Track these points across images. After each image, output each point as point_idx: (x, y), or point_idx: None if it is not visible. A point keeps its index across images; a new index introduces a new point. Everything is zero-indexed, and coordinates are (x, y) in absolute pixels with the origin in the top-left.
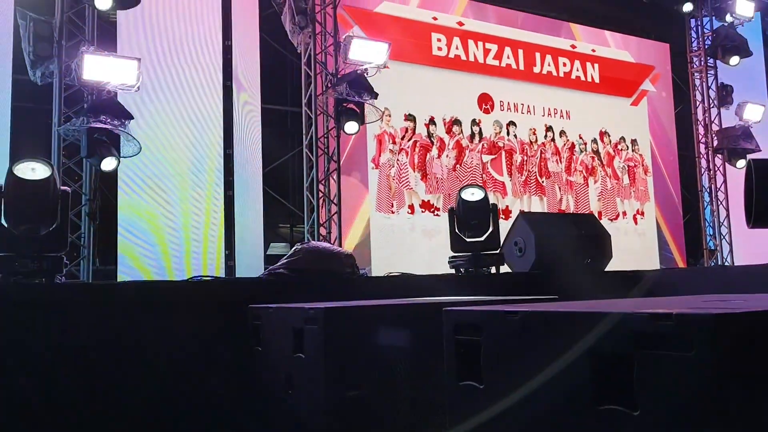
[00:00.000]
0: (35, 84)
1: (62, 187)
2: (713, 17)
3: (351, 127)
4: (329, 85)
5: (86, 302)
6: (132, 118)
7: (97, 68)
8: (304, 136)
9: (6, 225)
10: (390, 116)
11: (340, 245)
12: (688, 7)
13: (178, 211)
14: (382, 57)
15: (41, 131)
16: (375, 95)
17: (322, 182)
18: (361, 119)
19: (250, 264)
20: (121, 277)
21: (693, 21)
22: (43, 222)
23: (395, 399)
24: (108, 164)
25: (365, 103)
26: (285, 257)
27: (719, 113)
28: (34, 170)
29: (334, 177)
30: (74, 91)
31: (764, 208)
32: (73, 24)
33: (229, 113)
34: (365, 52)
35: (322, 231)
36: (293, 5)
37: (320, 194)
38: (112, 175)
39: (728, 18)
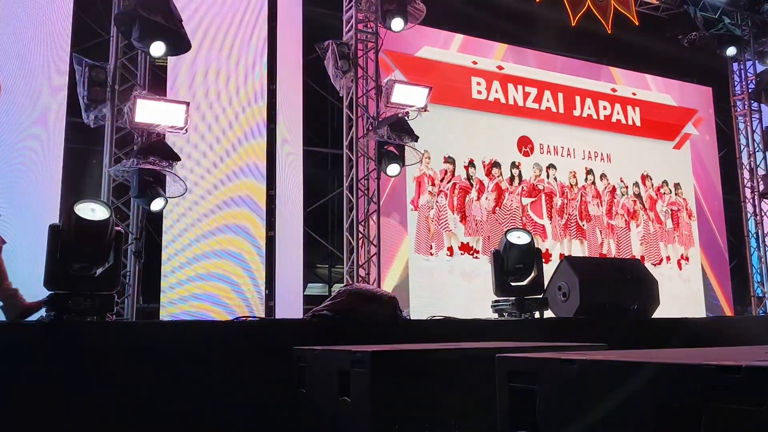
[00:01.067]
0: (88, 126)
1: (116, 228)
2: (756, 61)
3: (393, 169)
4: (370, 127)
5: (133, 341)
6: (179, 159)
7: (147, 111)
8: (344, 178)
9: (61, 262)
10: (429, 158)
11: (379, 287)
12: (731, 51)
13: (221, 251)
14: (423, 100)
15: (92, 172)
16: (415, 138)
17: (362, 223)
18: (401, 161)
19: (290, 304)
20: (163, 316)
21: (736, 65)
22: (98, 261)
23: None
24: (157, 204)
25: (405, 145)
26: (328, 299)
27: (765, 157)
28: (93, 211)
29: (374, 218)
30: (125, 133)
31: None
32: (125, 69)
33: (272, 155)
34: (407, 95)
35: (361, 272)
36: (336, 50)
37: (360, 235)
38: (158, 215)
39: None
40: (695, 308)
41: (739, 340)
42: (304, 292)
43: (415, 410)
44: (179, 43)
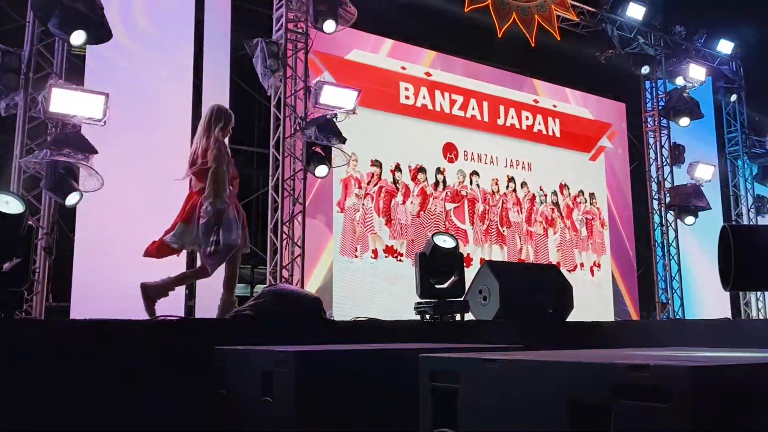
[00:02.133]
0: None
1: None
2: (667, 80)
3: (321, 170)
4: (298, 128)
5: (43, 340)
6: (96, 152)
7: (63, 101)
8: (270, 178)
9: None
10: (357, 161)
11: (302, 288)
12: (645, 70)
13: (139, 249)
14: (352, 103)
15: (1, 162)
16: (343, 140)
17: (287, 224)
18: (329, 163)
19: (211, 304)
20: (75, 314)
21: (648, 82)
22: (7, 256)
23: None
24: (72, 199)
25: (333, 147)
26: (251, 299)
27: (672, 171)
28: (8, 203)
29: (299, 219)
30: (37, 123)
31: (742, 272)
32: (41, 57)
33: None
34: (335, 97)
35: (285, 273)
36: (265, 49)
37: (284, 236)
38: (71, 209)
39: (681, 81)
40: (605, 312)
41: (644, 343)
42: None
43: (338, 411)
44: (100, 32)
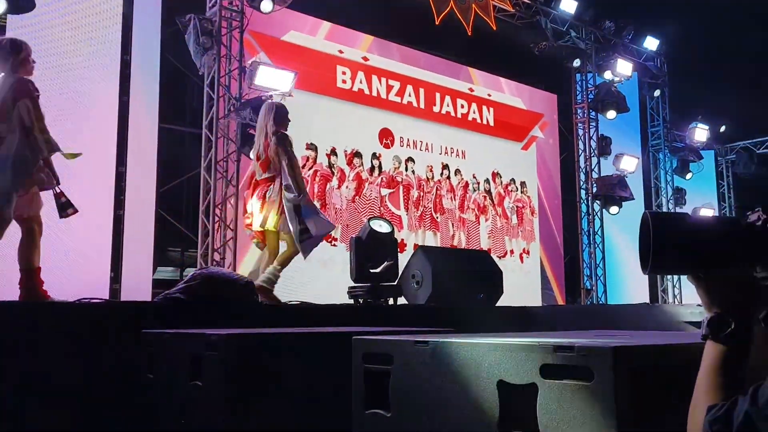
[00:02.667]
0: None
1: None
2: (596, 73)
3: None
4: (232, 108)
5: None
6: None
7: None
8: (202, 159)
9: None
10: (291, 144)
11: (234, 271)
12: (576, 63)
13: (61, 229)
14: (288, 85)
15: None
16: None
17: (219, 206)
18: None
19: (137, 288)
20: None
21: (579, 75)
22: None
23: (297, 429)
24: None
25: None
26: (182, 282)
27: (599, 162)
28: None
29: (232, 202)
30: None
31: (660, 256)
32: None
33: (123, 130)
34: (271, 79)
35: (216, 256)
36: (198, 26)
37: (216, 219)
38: None
39: (609, 75)
40: (533, 298)
41: (570, 326)
42: (153, 275)
43: (269, 394)
44: (21, 1)
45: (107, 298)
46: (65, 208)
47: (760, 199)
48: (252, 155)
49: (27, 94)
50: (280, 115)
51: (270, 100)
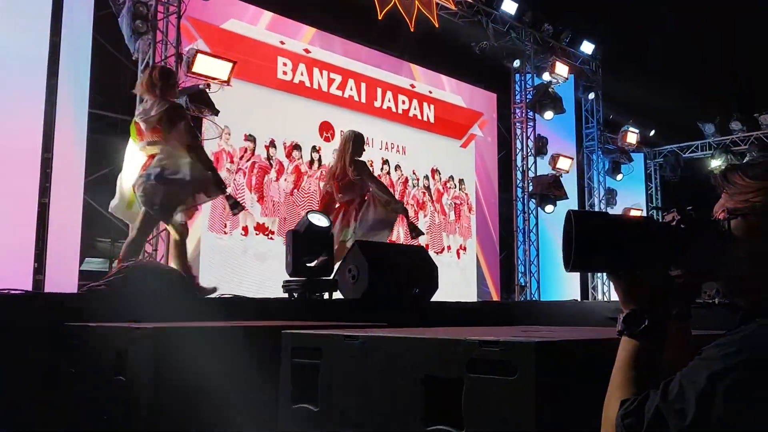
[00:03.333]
0: None
1: None
2: (535, 74)
3: None
4: None
5: None
6: None
7: None
8: None
9: None
10: (230, 135)
11: (166, 263)
12: (516, 63)
13: None
14: (226, 74)
15: None
16: (216, 112)
17: None
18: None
19: (63, 280)
20: None
21: (518, 75)
22: None
23: (226, 424)
24: None
25: (205, 118)
26: (109, 273)
27: (535, 161)
28: None
29: None
30: None
31: (582, 254)
32: None
33: (51, 114)
34: (209, 67)
35: (148, 248)
36: (133, 9)
37: None
38: None
39: (547, 77)
40: (469, 293)
41: (503, 322)
42: (80, 267)
43: (196, 390)
44: None
45: (29, 289)
46: (235, 207)
47: (685, 201)
48: (328, 175)
49: (183, 116)
50: (358, 144)
51: (349, 130)
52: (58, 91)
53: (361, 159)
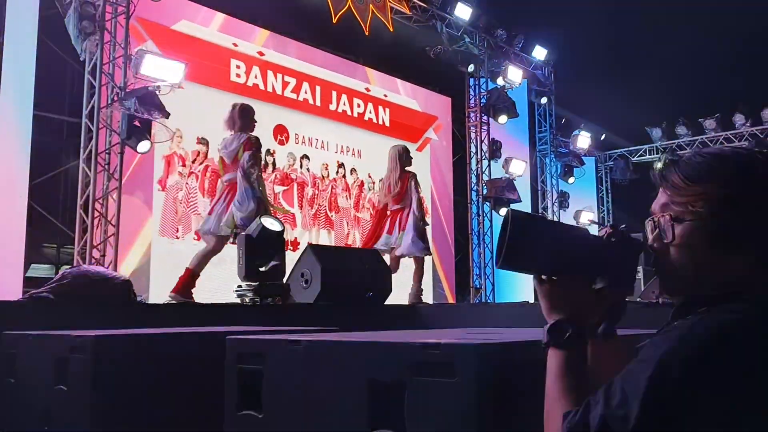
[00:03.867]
0: None
1: None
2: (489, 79)
3: (144, 146)
4: (116, 98)
5: None
6: None
7: None
8: (81, 150)
9: None
10: (181, 138)
11: (115, 270)
12: (471, 68)
13: None
14: (178, 76)
15: None
16: (166, 114)
17: (100, 201)
18: (150, 138)
19: (6, 287)
20: None
21: (472, 80)
22: None
23: None
24: None
25: (155, 121)
26: (52, 280)
27: (489, 165)
28: None
29: (114, 196)
30: None
31: (511, 252)
32: None
33: None
34: (159, 69)
35: (96, 253)
36: (80, 9)
37: (96, 213)
38: None
39: (501, 81)
40: (424, 296)
41: (456, 324)
42: (25, 273)
43: (139, 399)
44: None
45: None
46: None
47: (634, 203)
48: (384, 189)
49: (250, 147)
50: (409, 157)
51: (395, 145)
52: (1, 93)
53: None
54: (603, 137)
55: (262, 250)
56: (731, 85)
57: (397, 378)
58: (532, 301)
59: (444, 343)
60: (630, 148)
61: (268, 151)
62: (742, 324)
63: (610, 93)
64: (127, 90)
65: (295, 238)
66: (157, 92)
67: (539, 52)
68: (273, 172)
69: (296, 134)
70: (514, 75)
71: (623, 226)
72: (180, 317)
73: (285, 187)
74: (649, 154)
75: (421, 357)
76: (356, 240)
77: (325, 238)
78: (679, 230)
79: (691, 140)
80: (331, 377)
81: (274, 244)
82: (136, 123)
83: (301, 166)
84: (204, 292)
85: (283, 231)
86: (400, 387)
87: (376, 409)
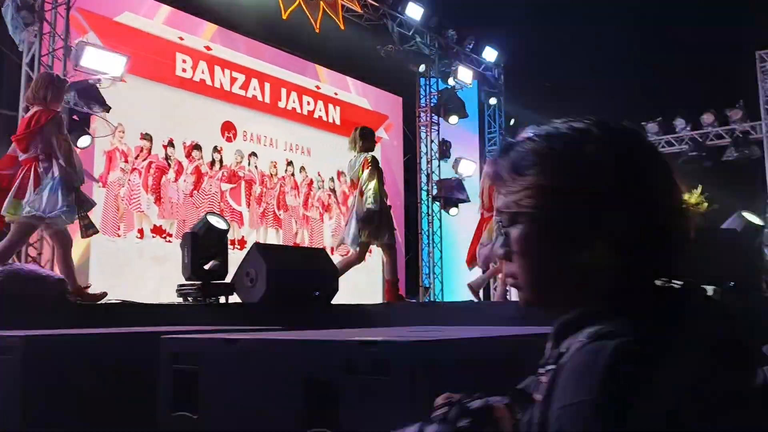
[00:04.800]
0: None
1: None
2: (439, 79)
3: (84, 140)
4: None
5: None
6: None
7: None
8: None
9: None
10: (123, 133)
11: (52, 269)
12: (422, 68)
13: None
14: (119, 70)
15: None
16: (107, 108)
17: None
18: (88, 132)
19: None
20: None
21: (423, 80)
22: None
23: None
24: None
25: (95, 115)
26: None
27: (439, 165)
28: None
29: None
30: None
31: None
32: None
33: None
34: (100, 61)
35: (32, 252)
36: None
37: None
38: None
39: (451, 82)
40: (375, 295)
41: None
42: None
43: (71, 400)
44: None
45: None
46: None
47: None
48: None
49: (366, 165)
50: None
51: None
52: None
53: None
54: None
55: (207, 249)
56: (673, 90)
57: (333, 376)
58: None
59: (379, 341)
60: None
61: (215, 148)
62: (635, 354)
63: (557, 94)
64: (67, 83)
65: (243, 236)
66: (97, 86)
67: (489, 54)
68: (220, 169)
69: (244, 131)
70: (465, 75)
71: None
72: (119, 317)
73: (232, 185)
74: None
75: (357, 355)
76: (305, 239)
77: (273, 237)
78: (515, 235)
79: None
80: (267, 376)
81: (218, 242)
82: (75, 117)
83: (249, 164)
84: (147, 291)
85: (228, 229)
86: (335, 385)
87: (313, 408)
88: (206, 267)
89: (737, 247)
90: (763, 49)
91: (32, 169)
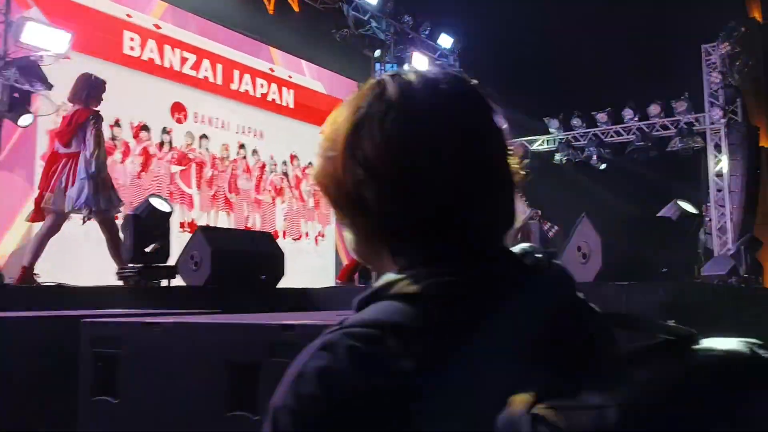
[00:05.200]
0: None
1: None
2: (395, 65)
3: (25, 119)
4: None
5: None
6: None
7: None
8: None
9: None
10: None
11: None
12: (377, 53)
13: None
14: (63, 46)
15: None
16: (49, 86)
17: None
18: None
19: None
20: None
21: (378, 65)
22: None
23: (20, 420)
24: None
25: (37, 93)
26: None
27: None
28: None
29: None
30: None
31: None
32: None
33: None
34: (42, 37)
35: None
36: None
37: None
38: None
39: (406, 67)
40: (327, 280)
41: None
42: None
43: None
44: None
45: None
46: None
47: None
48: None
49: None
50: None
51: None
52: None
53: None
54: (504, 126)
55: (149, 232)
56: (622, 82)
57: (254, 359)
58: None
59: (299, 324)
60: (530, 138)
61: (164, 129)
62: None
63: (512, 83)
64: (7, 59)
65: (193, 219)
66: (39, 63)
67: (445, 40)
68: (170, 151)
69: (195, 113)
70: (420, 62)
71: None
72: (51, 300)
73: (182, 167)
74: (547, 144)
75: (277, 338)
76: (257, 223)
77: (224, 221)
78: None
79: (585, 132)
80: (189, 360)
81: (161, 225)
82: (16, 95)
83: (199, 146)
84: (90, 274)
85: (171, 212)
86: (257, 368)
87: (234, 391)
88: (147, 250)
89: (672, 234)
90: (708, 42)
91: (72, 163)
